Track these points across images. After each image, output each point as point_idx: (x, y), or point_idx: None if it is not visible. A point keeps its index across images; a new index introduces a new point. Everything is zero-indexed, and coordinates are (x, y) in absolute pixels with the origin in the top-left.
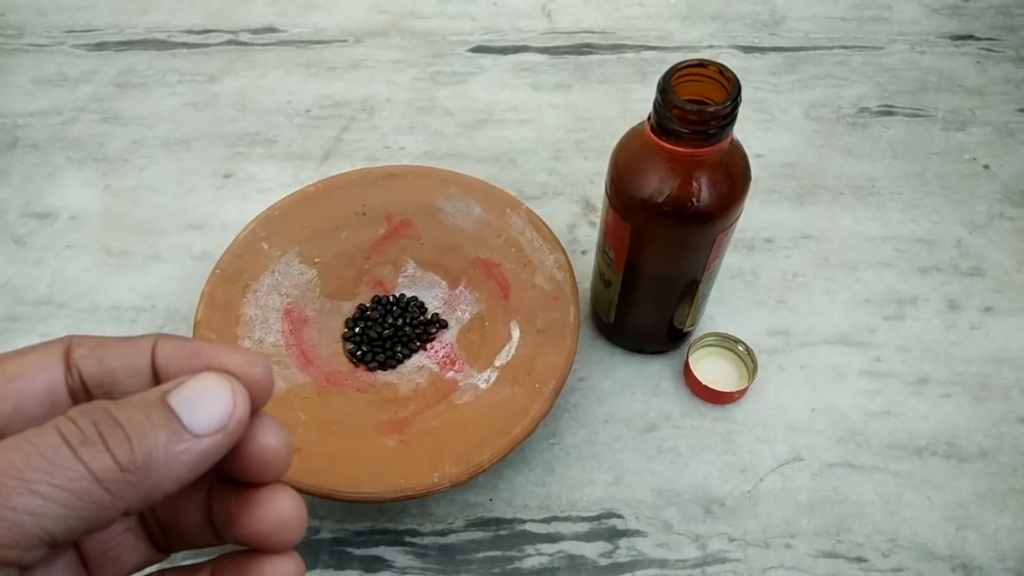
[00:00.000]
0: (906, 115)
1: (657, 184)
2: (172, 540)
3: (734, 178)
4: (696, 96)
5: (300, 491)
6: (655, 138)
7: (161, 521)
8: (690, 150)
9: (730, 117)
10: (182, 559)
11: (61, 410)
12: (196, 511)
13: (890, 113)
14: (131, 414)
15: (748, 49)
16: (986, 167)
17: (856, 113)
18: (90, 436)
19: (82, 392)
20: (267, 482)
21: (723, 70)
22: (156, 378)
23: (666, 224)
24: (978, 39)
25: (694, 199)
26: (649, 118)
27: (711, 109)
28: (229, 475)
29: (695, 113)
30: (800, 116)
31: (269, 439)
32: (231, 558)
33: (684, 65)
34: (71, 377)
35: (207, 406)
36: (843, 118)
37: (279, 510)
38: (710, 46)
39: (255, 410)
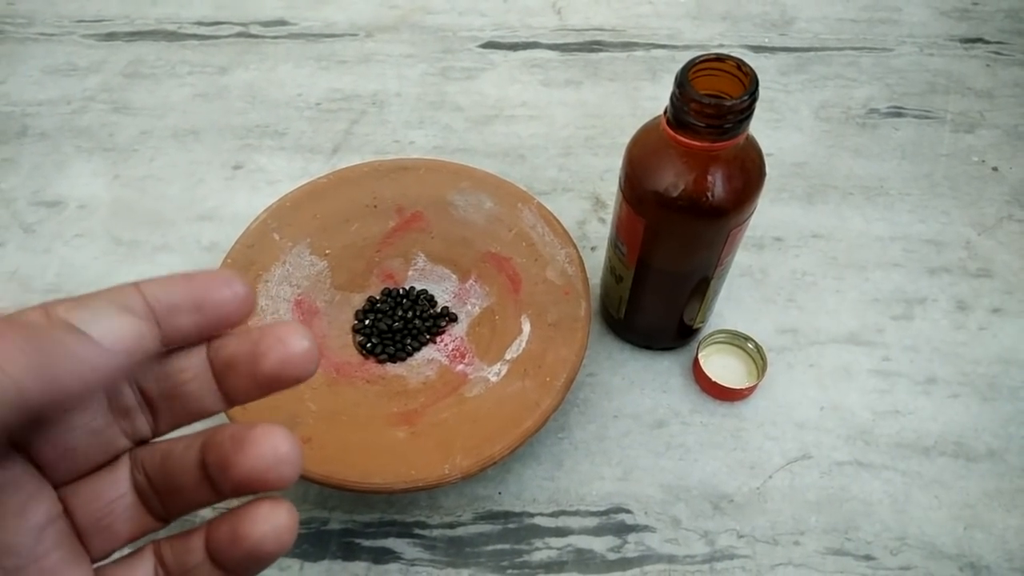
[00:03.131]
0: (915, 117)
1: (672, 178)
2: (168, 504)
3: (749, 174)
4: (713, 90)
5: (311, 481)
6: (671, 132)
7: (156, 484)
8: (706, 144)
9: (747, 112)
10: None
11: None
12: (191, 466)
13: (899, 114)
14: (23, 314)
15: (758, 49)
16: (995, 169)
17: (865, 114)
18: None
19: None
20: (298, 381)
21: (741, 64)
22: (155, 317)
23: (680, 219)
24: (987, 42)
25: (709, 194)
26: (665, 112)
27: (728, 103)
28: (261, 382)
29: (712, 107)
30: (810, 116)
31: (298, 341)
32: (223, 517)
33: (702, 59)
34: None
35: (107, 323)
36: (852, 119)
37: (274, 444)
38: (720, 45)
39: (236, 323)
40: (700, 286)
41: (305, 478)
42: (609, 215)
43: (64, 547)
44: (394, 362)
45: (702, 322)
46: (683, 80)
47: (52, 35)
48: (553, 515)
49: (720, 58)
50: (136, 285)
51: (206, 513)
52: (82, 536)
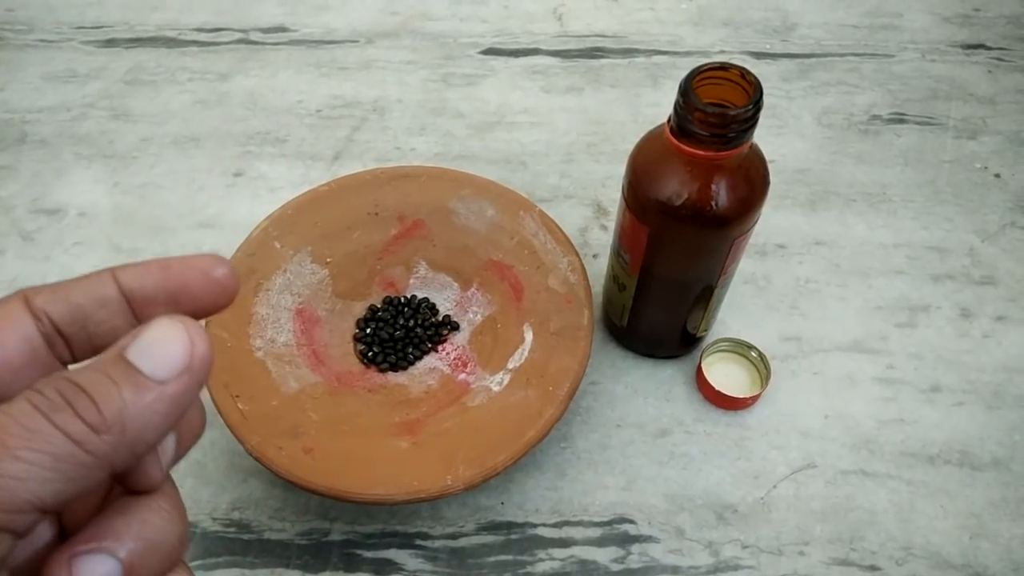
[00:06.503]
0: (917, 123)
1: (676, 187)
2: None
3: (753, 183)
4: (717, 99)
5: (312, 491)
6: (675, 141)
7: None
8: (710, 153)
9: (751, 121)
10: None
11: (42, 359)
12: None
13: (901, 121)
14: (92, 378)
15: (759, 55)
16: (997, 176)
17: (868, 120)
18: (57, 403)
19: (56, 335)
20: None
21: (745, 73)
22: (130, 306)
23: (684, 228)
24: (989, 48)
25: (713, 203)
26: (669, 120)
27: (732, 112)
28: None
29: (716, 116)
30: (812, 123)
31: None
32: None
33: (706, 68)
34: (41, 324)
35: (165, 351)
36: (855, 125)
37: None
38: (721, 51)
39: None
40: (704, 294)
41: (306, 488)
42: (611, 222)
43: None
44: (396, 371)
45: (705, 330)
46: (687, 89)
47: (52, 41)
48: (556, 526)
49: (724, 67)
50: (112, 272)
51: None
52: None
